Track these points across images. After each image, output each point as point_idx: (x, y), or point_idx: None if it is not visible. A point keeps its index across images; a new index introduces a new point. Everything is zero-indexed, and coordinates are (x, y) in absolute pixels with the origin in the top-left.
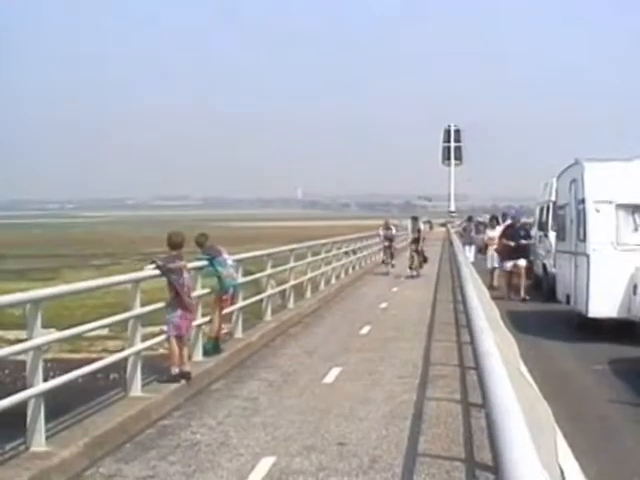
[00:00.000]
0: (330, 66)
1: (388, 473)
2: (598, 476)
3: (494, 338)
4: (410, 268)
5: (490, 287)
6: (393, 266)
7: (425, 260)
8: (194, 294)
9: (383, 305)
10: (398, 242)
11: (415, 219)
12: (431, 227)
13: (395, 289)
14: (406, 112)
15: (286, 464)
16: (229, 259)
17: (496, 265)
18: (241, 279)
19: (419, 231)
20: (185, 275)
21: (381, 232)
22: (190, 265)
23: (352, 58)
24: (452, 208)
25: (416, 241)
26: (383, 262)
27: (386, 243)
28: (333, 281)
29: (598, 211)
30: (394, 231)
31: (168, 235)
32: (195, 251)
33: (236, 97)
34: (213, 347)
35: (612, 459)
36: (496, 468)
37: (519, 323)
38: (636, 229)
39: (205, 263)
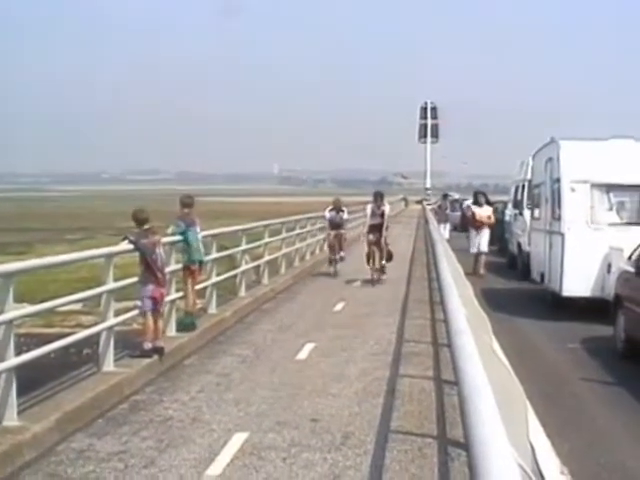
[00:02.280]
0: (307, 42)
1: (360, 449)
2: (569, 454)
3: (467, 316)
4: (375, 271)
5: (475, 274)
6: (342, 258)
7: (390, 257)
8: (167, 269)
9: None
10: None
11: (379, 197)
12: (406, 204)
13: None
14: (384, 89)
15: (259, 440)
16: (200, 233)
17: (484, 250)
18: (215, 254)
19: (382, 215)
20: (158, 250)
21: (327, 214)
22: (164, 240)
23: (329, 34)
24: (428, 185)
25: (377, 229)
26: (330, 261)
27: (332, 232)
28: (308, 257)
29: (573, 190)
30: (345, 215)
31: (133, 212)
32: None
33: (209, 73)
34: (190, 322)
35: (583, 437)
36: (467, 445)
37: (493, 301)
38: (611, 208)
39: (180, 238)
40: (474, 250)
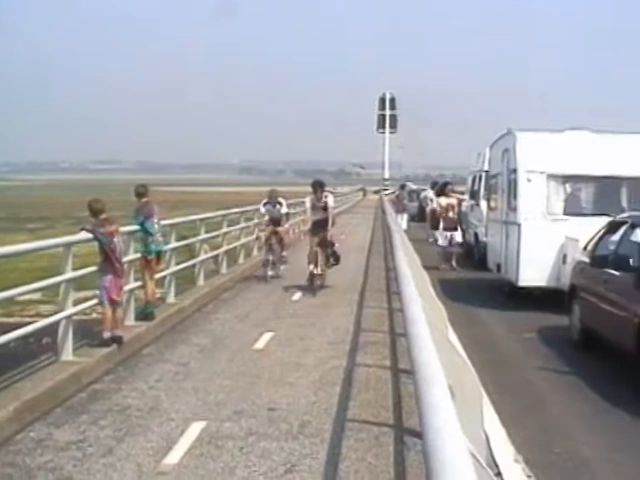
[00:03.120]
0: (266, 33)
1: (317, 438)
2: (524, 442)
3: (422, 305)
4: (312, 275)
5: (445, 267)
6: (284, 260)
7: (336, 259)
8: (125, 258)
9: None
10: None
11: (318, 187)
12: (365, 194)
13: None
14: (343, 79)
15: (216, 429)
16: (157, 223)
17: (456, 242)
18: (174, 244)
19: (325, 208)
20: (115, 239)
21: (262, 208)
22: (122, 229)
23: (288, 25)
24: (386, 176)
25: (321, 226)
26: (264, 264)
27: (268, 228)
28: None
29: (529, 181)
30: (284, 208)
31: (88, 203)
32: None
33: (171, 62)
34: (149, 311)
35: (538, 426)
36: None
37: (450, 291)
38: (567, 199)
39: (137, 228)
40: (444, 243)
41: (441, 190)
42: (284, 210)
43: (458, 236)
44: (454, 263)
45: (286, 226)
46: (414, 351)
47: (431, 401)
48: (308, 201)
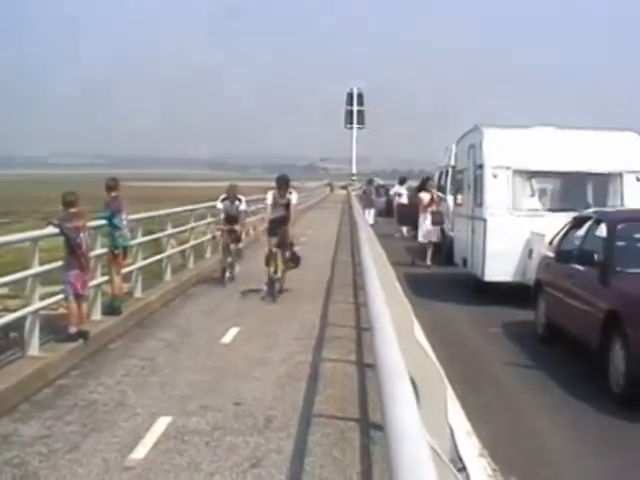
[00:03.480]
0: (232, 28)
1: (283, 433)
2: (490, 436)
3: (386, 299)
4: (270, 279)
5: (422, 264)
6: (240, 252)
7: (296, 261)
8: (93, 253)
9: None
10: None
11: (283, 182)
12: (332, 189)
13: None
14: (313, 75)
15: (182, 423)
16: (125, 219)
17: (435, 240)
18: (141, 239)
19: (287, 206)
20: (82, 234)
21: (219, 205)
22: (90, 224)
23: (257, 21)
24: (354, 171)
25: (280, 224)
26: (222, 269)
27: (225, 227)
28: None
29: (495, 176)
30: (243, 205)
31: (62, 194)
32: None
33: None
34: (116, 306)
35: (503, 419)
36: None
37: (416, 286)
38: (532, 195)
39: (104, 222)
40: (423, 240)
41: (422, 185)
42: (242, 207)
43: (438, 232)
44: (429, 261)
45: (245, 222)
46: (377, 346)
47: (393, 395)
48: (270, 196)
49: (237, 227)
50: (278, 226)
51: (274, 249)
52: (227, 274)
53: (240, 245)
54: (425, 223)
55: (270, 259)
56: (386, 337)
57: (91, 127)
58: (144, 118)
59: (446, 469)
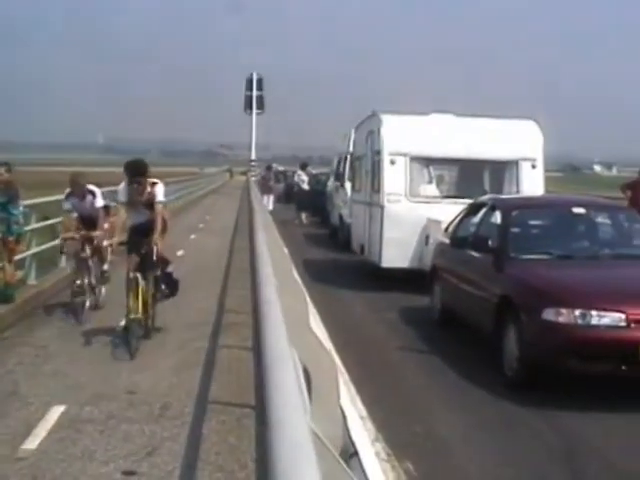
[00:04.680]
0: (134, 10)
1: (179, 420)
2: (384, 422)
3: (278, 286)
4: (127, 318)
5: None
6: (105, 277)
7: (172, 287)
8: None
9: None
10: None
11: (137, 171)
12: (232, 175)
13: None
14: (213, 58)
15: (76, 412)
16: (20, 206)
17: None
18: (35, 225)
19: (151, 205)
20: None
21: (65, 204)
22: None
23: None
24: (253, 157)
25: (143, 235)
26: (73, 293)
27: (78, 234)
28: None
29: (393, 163)
30: (99, 200)
31: None
32: None
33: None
34: (9, 293)
35: (398, 405)
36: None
37: (314, 272)
38: (430, 182)
39: None
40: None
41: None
42: (100, 203)
43: None
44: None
45: (106, 226)
46: (263, 331)
47: (275, 381)
48: (122, 193)
49: (96, 233)
50: (140, 237)
51: (132, 273)
52: (87, 303)
53: (105, 266)
54: None
55: (129, 288)
56: (271, 322)
57: None
58: (39, 103)
59: (327, 454)
